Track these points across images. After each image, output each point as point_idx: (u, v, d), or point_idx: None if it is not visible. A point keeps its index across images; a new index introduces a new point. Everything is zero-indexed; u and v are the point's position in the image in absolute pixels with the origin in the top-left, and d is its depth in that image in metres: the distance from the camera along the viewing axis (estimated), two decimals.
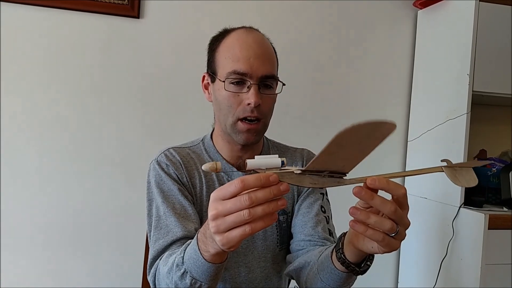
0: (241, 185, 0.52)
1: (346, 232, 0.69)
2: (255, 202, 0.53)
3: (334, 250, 0.71)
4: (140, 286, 1.20)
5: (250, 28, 0.91)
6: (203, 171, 0.93)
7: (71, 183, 1.64)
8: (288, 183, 0.54)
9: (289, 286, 1.09)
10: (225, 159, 0.95)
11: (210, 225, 0.56)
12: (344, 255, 0.68)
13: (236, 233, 0.54)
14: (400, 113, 1.98)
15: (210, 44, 0.93)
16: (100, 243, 1.67)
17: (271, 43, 0.93)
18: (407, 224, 0.58)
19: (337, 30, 1.89)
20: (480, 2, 1.59)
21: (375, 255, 0.66)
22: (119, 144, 1.68)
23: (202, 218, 0.90)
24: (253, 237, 0.94)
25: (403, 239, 0.59)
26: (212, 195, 0.56)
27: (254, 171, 0.55)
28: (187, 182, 0.91)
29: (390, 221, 0.56)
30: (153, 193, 0.89)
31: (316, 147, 1.10)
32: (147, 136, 1.71)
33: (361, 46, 1.92)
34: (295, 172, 0.55)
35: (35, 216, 1.61)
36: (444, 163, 0.60)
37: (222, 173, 0.93)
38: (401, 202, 0.57)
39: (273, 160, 0.55)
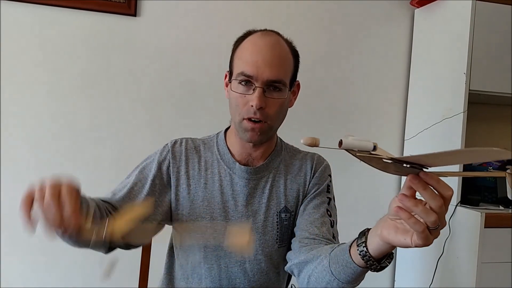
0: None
1: (369, 228, 0.70)
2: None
3: (356, 243, 0.71)
4: (137, 286, 1.20)
5: (269, 31, 0.95)
6: (207, 164, 0.97)
7: None
8: (374, 167, 0.57)
9: (287, 286, 1.09)
10: (232, 154, 0.97)
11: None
12: (367, 249, 0.69)
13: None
14: (397, 111, 1.98)
15: (233, 44, 0.97)
16: None
17: (293, 47, 0.96)
18: (444, 224, 0.59)
19: (334, 29, 1.89)
20: (477, 1, 1.59)
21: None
22: (117, 142, 1.68)
23: (195, 208, 0.94)
24: (252, 231, 0.95)
25: (437, 237, 0.60)
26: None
27: (346, 150, 0.56)
28: (184, 173, 0.96)
29: (435, 214, 0.57)
30: (142, 164, 0.98)
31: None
32: (145, 134, 1.70)
33: (358, 45, 1.92)
34: (383, 160, 0.56)
35: None
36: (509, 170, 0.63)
37: (225, 167, 0.97)
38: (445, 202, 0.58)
39: (366, 143, 0.56)
